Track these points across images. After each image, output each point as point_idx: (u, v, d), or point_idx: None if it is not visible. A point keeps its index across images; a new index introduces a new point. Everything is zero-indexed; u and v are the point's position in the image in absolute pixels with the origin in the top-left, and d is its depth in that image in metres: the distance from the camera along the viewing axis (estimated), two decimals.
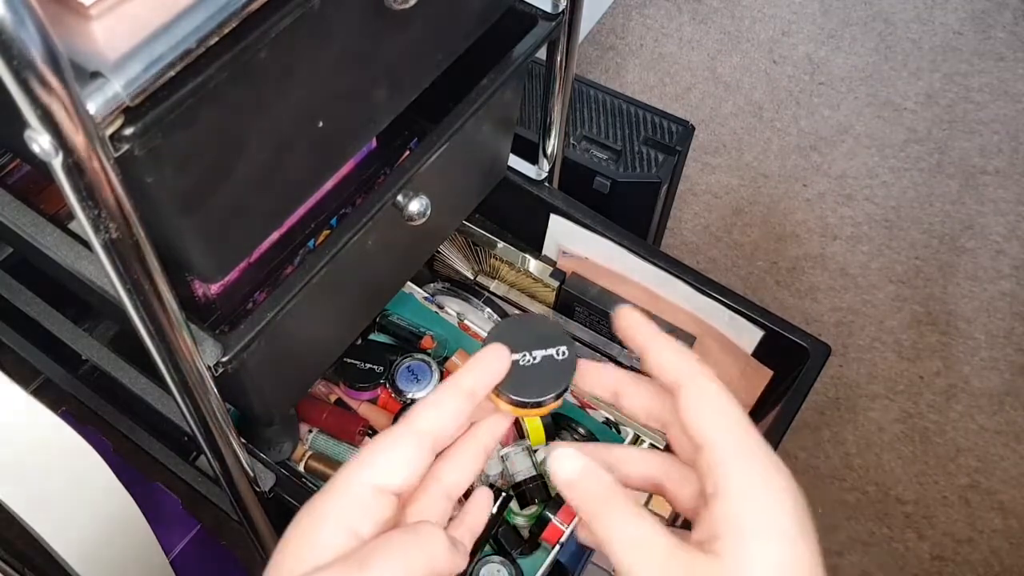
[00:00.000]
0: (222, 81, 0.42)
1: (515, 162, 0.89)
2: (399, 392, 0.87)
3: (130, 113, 0.39)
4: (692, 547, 0.32)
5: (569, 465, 0.35)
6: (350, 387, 0.88)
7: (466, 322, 0.92)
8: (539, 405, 0.37)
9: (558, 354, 0.37)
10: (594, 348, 0.91)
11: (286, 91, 0.49)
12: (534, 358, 0.37)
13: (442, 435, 0.35)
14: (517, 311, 0.95)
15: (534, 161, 0.89)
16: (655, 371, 0.36)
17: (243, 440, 0.62)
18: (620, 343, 0.91)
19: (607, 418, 0.88)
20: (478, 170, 0.83)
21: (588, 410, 0.88)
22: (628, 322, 0.38)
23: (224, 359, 0.55)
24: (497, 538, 0.81)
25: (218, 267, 0.57)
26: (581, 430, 0.87)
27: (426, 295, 0.93)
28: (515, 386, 0.36)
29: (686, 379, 0.35)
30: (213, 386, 0.55)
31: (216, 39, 0.40)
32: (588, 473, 0.34)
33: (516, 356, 0.36)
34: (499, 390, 0.36)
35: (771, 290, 1.41)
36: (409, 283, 0.93)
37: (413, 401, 0.86)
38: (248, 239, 0.59)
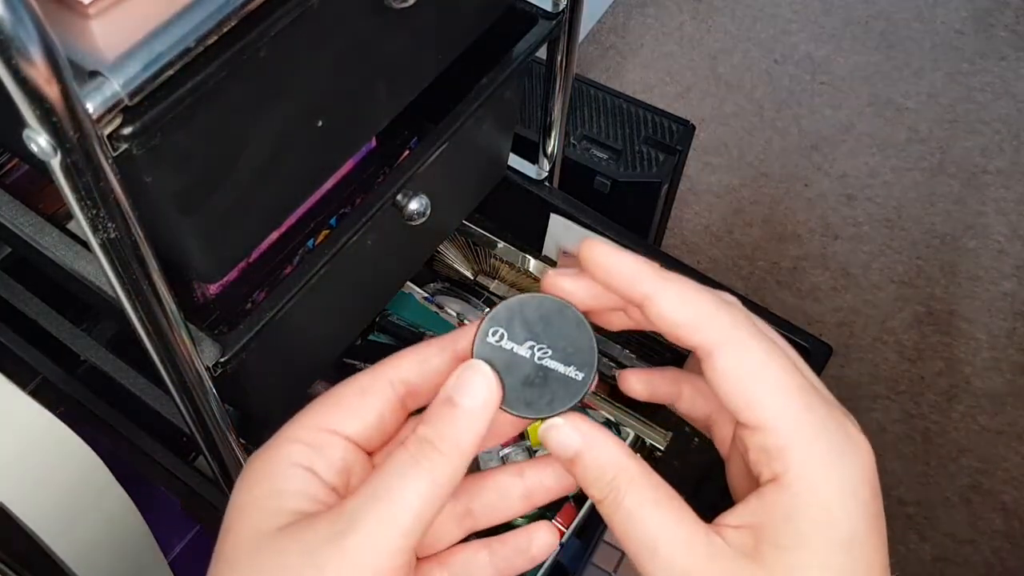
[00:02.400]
0: (221, 80, 0.42)
1: (515, 162, 0.88)
2: None
3: (129, 112, 0.39)
4: (730, 548, 0.27)
5: (568, 437, 0.28)
6: None
7: (466, 322, 0.92)
8: (531, 418, 0.30)
9: (574, 373, 0.30)
10: None
11: (285, 90, 0.49)
12: (542, 356, 0.29)
13: (417, 391, 0.30)
14: None
15: (534, 161, 0.89)
16: (666, 330, 0.28)
17: (242, 441, 0.62)
18: (621, 343, 0.91)
19: (607, 418, 0.87)
20: (478, 170, 0.82)
21: (589, 410, 0.88)
22: (603, 259, 0.29)
23: (223, 359, 0.55)
24: None
25: (217, 267, 0.57)
26: None
27: (426, 295, 0.93)
28: (510, 389, 0.29)
29: (717, 342, 0.28)
30: (212, 386, 0.55)
31: (215, 38, 0.40)
32: (594, 445, 0.28)
33: (522, 349, 0.29)
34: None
35: (772, 290, 1.41)
36: (409, 283, 0.93)
37: None
38: (247, 239, 0.58)
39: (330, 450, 0.28)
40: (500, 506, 0.32)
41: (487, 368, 0.28)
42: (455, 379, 0.28)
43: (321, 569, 0.25)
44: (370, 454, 0.30)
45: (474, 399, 0.28)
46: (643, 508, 0.27)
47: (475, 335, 0.29)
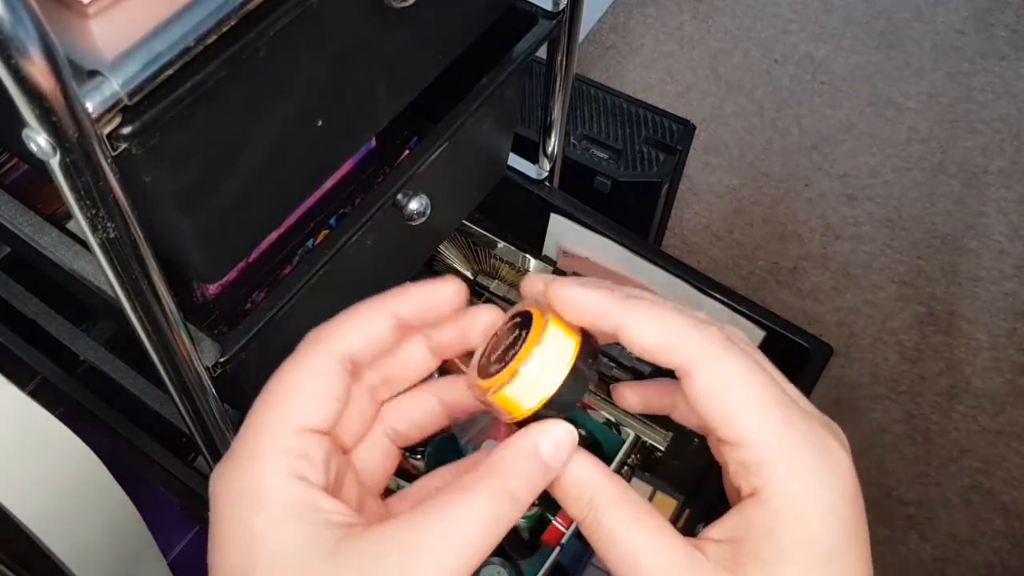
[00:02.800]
0: (220, 80, 0.42)
1: (515, 161, 0.88)
2: None
3: (128, 112, 0.38)
4: (711, 562, 0.27)
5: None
6: None
7: None
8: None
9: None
10: None
11: (285, 90, 0.49)
12: None
13: (362, 361, 0.30)
14: None
15: (534, 160, 0.88)
16: (641, 354, 0.29)
17: None
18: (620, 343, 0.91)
19: (607, 418, 0.87)
20: (478, 169, 0.82)
21: (589, 410, 0.88)
22: (571, 297, 0.29)
23: (222, 359, 0.55)
24: None
25: (216, 267, 0.57)
26: (581, 431, 0.87)
27: None
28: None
29: (691, 361, 0.28)
30: (211, 387, 0.55)
31: (214, 37, 0.40)
32: (572, 466, 0.28)
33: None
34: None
35: (772, 290, 1.41)
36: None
37: None
38: (247, 239, 0.58)
39: (311, 450, 0.28)
40: (406, 372, 0.32)
41: (574, 431, 0.28)
42: (547, 438, 0.28)
43: None
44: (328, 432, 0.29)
45: (560, 461, 0.28)
46: (623, 526, 0.27)
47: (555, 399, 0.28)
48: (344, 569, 0.25)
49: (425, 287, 0.31)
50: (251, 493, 0.26)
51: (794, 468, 0.27)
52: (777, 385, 0.28)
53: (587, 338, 0.29)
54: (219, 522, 0.27)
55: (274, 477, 0.27)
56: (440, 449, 0.83)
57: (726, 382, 0.28)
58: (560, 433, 0.28)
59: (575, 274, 0.92)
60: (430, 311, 0.31)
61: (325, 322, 0.30)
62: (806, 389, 0.80)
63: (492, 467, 0.27)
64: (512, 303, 0.95)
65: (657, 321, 0.28)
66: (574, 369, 0.28)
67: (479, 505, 0.26)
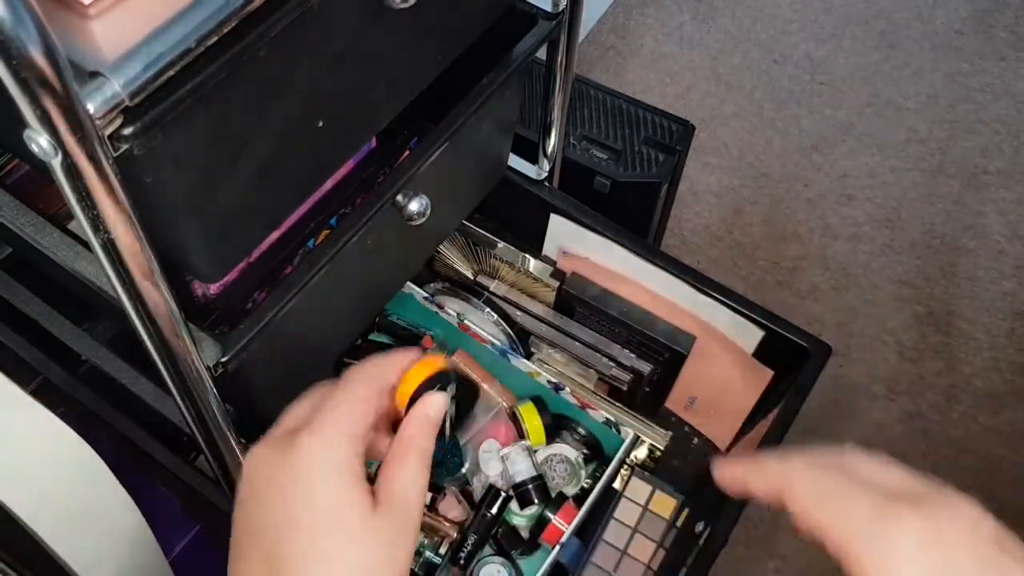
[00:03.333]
0: (221, 81, 0.42)
1: (515, 162, 0.88)
2: None
3: (129, 113, 0.39)
4: None
5: (778, 480, 0.41)
6: None
7: (466, 322, 0.92)
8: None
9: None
10: (594, 348, 0.91)
11: (286, 91, 0.49)
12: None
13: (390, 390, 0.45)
14: (518, 311, 0.94)
15: (534, 161, 0.89)
16: (769, 501, 0.41)
17: (243, 440, 0.62)
18: (621, 343, 0.91)
19: (607, 418, 0.87)
20: (478, 170, 0.83)
21: (588, 410, 0.88)
22: (726, 475, 0.44)
23: (223, 359, 0.55)
24: (497, 539, 0.81)
25: (217, 267, 0.57)
26: (581, 430, 0.87)
27: (426, 295, 0.93)
28: None
29: (781, 490, 0.40)
30: (212, 386, 0.55)
31: (215, 38, 0.40)
32: (792, 479, 0.40)
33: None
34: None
35: (772, 290, 1.41)
36: (409, 283, 0.93)
37: None
38: (247, 239, 0.59)
39: (362, 445, 0.41)
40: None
41: (441, 395, 0.45)
42: (431, 407, 0.44)
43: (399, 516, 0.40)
44: None
45: (439, 414, 0.45)
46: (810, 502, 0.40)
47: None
48: (381, 520, 0.39)
49: (417, 349, 0.47)
50: (341, 461, 0.39)
51: (884, 551, 0.36)
52: (852, 481, 0.39)
53: (446, 371, 0.45)
54: (310, 477, 0.39)
55: (354, 454, 0.40)
56: (439, 447, 0.83)
57: (809, 495, 0.39)
58: (434, 400, 0.44)
59: (575, 274, 0.92)
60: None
61: (373, 360, 0.45)
62: (805, 389, 0.80)
63: (411, 436, 0.43)
64: (512, 303, 0.95)
65: (759, 477, 0.42)
66: (427, 380, 0.44)
67: (415, 461, 0.42)
